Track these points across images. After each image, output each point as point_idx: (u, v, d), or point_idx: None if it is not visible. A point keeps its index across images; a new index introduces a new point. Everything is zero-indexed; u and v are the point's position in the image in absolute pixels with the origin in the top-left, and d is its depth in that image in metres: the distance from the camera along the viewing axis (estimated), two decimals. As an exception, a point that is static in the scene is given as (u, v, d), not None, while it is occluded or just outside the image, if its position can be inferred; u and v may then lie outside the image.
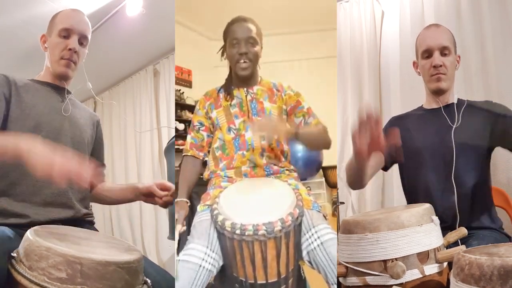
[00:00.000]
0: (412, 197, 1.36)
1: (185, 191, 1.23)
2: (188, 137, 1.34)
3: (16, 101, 1.15)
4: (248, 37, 1.23)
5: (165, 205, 1.28)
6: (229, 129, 1.26)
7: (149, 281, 0.90)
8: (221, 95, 1.32)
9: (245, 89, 1.30)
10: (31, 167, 0.87)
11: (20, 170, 1.11)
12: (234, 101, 1.29)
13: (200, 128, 1.32)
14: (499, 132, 1.23)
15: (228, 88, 1.31)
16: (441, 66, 1.28)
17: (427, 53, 1.32)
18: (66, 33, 1.24)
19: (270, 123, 1.16)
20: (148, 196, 1.29)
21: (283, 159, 1.28)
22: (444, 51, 1.30)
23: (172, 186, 1.28)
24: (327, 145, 1.28)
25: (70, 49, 1.22)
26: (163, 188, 1.28)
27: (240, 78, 1.29)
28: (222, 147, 1.27)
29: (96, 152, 1.41)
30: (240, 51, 1.23)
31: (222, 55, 1.32)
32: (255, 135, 1.22)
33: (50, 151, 0.89)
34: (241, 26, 1.25)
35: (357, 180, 1.33)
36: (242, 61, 1.23)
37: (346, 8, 2.38)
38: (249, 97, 1.29)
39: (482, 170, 1.28)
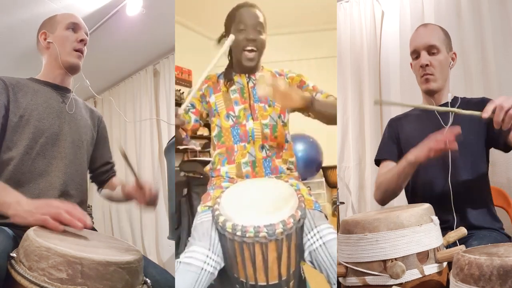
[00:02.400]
0: (413, 197, 1.36)
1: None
2: None
3: (14, 107, 1.14)
4: (256, 23, 1.16)
5: (149, 203, 1.19)
6: (228, 116, 1.21)
7: (148, 281, 0.90)
8: (221, 80, 1.26)
9: (246, 75, 1.25)
10: (17, 219, 0.90)
11: (18, 177, 1.12)
12: (234, 87, 1.23)
13: (190, 110, 1.24)
14: (492, 132, 1.23)
15: (228, 74, 1.25)
16: (427, 65, 1.27)
17: (415, 54, 1.32)
18: (74, 27, 1.27)
19: (283, 86, 0.99)
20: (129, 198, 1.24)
21: (285, 147, 1.25)
22: (431, 50, 1.28)
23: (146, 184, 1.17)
24: (335, 118, 1.17)
25: (81, 40, 1.26)
26: (140, 187, 1.17)
27: (243, 67, 1.22)
28: (219, 135, 1.22)
29: (100, 150, 1.40)
30: (249, 37, 1.16)
31: (219, 42, 1.25)
32: (261, 92, 1.06)
33: (34, 203, 0.93)
34: (249, 11, 1.18)
35: (392, 195, 1.31)
36: (249, 48, 1.16)
37: (346, 8, 2.38)
38: (250, 84, 1.24)
39: (480, 169, 1.28)
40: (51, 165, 1.18)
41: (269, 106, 1.22)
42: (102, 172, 1.42)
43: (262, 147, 1.20)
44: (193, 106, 1.24)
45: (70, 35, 1.25)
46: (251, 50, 1.17)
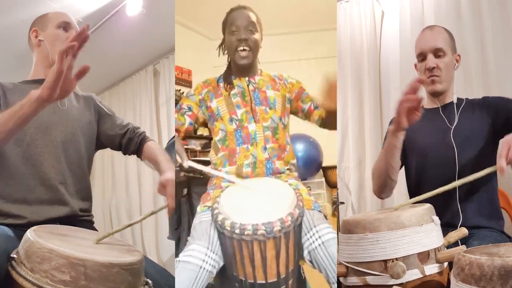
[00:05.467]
0: (416, 195, 1.35)
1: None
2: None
3: (3, 103, 1.15)
4: (247, 24, 1.20)
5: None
6: (231, 120, 1.22)
7: (150, 281, 0.90)
8: (221, 84, 1.27)
9: (246, 78, 1.27)
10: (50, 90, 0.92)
11: (12, 170, 1.12)
12: (235, 90, 1.25)
13: (186, 113, 1.24)
14: (503, 121, 1.23)
15: (227, 78, 1.27)
16: (434, 68, 1.29)
17: (422, 56, 1.33)
18: (66, 26, 1.26)
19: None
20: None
21: (287, 149, 1.26)
22: (437, 53, 1.30)
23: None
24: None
25: None
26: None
27: (239, 68, 1.24)
28: (224, 138, 1.23)
29: (107, 123, 1.35)
30: (239, 37, 1.19)
31: (222, 48, 1.27)
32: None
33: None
34: (240, 13, 1.21)
35: (386, 179, 1.28)
36: (241, 48, 1.19)
37: (346, 8, 2.38)
38: (251, 87, 1.26)
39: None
40: (43, 154, 1.17)
41: (270, 108, 1.24)
42: (127, 141, 1.34)
43: (264, 148, 1.21)
44: (190, 109, 1.25)
45: (61, 34, 1.25)
46: (244, 50, 1.20)
